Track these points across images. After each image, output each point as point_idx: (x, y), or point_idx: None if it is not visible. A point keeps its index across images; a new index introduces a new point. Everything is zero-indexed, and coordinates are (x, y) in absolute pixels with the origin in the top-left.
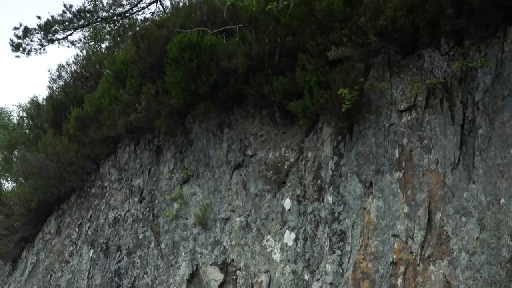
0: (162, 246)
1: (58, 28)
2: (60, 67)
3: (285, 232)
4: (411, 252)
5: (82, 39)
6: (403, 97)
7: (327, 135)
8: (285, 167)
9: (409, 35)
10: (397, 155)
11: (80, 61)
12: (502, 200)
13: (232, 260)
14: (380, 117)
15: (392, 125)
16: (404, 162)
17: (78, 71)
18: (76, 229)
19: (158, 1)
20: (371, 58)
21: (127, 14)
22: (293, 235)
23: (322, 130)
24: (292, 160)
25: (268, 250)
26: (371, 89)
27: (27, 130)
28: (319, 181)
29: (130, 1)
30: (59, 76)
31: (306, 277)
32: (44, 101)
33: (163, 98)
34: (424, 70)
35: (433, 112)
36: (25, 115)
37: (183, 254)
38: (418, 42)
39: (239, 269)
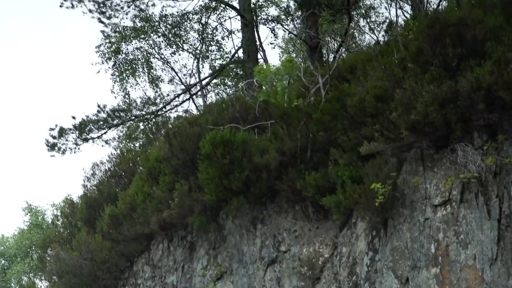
0: None
1: (92, 127)
2: (94, 165)
3: None
4: None
5: (116, 138)
6: (437, 191)
7: (361, 230)
8: (320, 262)
9: (442, 129)
10: (433, 250)
11: (114, 159)
12: None
13: None
14: (415, 212)
15: (427, 219)
16: (440, 258)
17: (112, 169)
18: None
19: (191, 99)
20: (404, 153)
21: (160, 112)
22: None
23: (356, 225)
24: (326, 255)
25: None
26: (404, 183)
27: (61, 229)
28: (354, 277)
29: (163, 100)
30: (93, 174)
31: None
32: (79, 200)
33: (196, 194)
34: (458, 164)
35: (469, 207)
36: (59, 213)
37: None
38: (451, 137)
39: None
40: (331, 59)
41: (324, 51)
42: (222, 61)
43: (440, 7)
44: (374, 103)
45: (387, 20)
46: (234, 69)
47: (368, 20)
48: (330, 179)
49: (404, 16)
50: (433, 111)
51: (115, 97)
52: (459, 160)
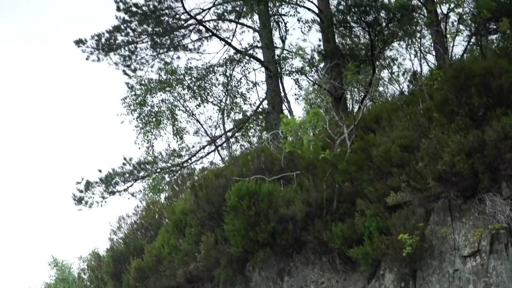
0: None
1: (118, 180)
2: (121, 218)
3: None
4: None
5: (142, 190)
6: (466, 242)
7: (390, 281)
8: None
9: (469, 179)
10: None
11: (139, 212)
12: None
13: None
14: (444, 263)
15: (457, 271)
16: None
17: (138, 222)
18: None
19: (216, 151)
20: (431, 203)
21: (185, 164)
22: None
23: (384, 276)
24: None
25: None
26: (432, 234)
27: (87, 283)
28: None
29: (188, 152)
30: (119, 227)
31: None
32: (105, 253)
33: (222, 246)
34: (487, 214)
35: (499, 258)
36: (85, 267)
37: None
38: (479, 186)
39: None
40: (356, 110)
41: (349, 102)
42: (247, 113)
43: (465, 56)
44: (400, 153)
45: (411, 70)
46: (259, 121)
47: (392, 71)
48: (357, 230)
49: (428, 66)
50: (460, 161)
51: (139, 148)
52: (488, 210)
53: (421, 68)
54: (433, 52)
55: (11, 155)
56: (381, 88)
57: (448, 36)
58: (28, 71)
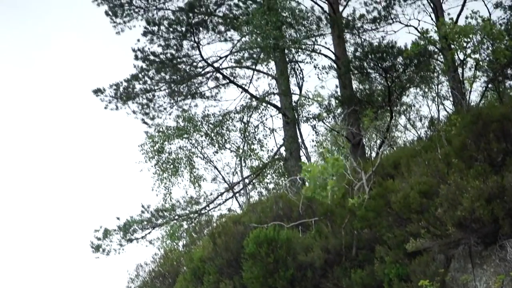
0: None
1: (136, 227)
2: (138, 266)
3: None
4: None
5: (160, 238)
6: None
7: None
8: None
9: (489, 225)
10: None
11: (157, 259)
12: None
13: None
14: None
15: None
16: None
17: (155, 269)
18: None
19: (234, 197)
20: (451, 249)
21: (203, 211)
22: None
23: None
24: None
25: None
26: (453, 281)
27: None
28: None
29: (206, 199)
30: (137, 275)
31: None
32: None
33: None
34: (508, 261)
35: None
36: None
37: None
38: (499, 233)
39: None
40: (374, 156)
41: (367, 148)
42: (265, 159)
43: (482, 102)
44: (419, 199)
45: (429, 116)
46: (277, 167)
47: (409, 116)
48: (377, 277)
49: (446, 111)
50: (480, 207)
51: (157, 195)
52: (509, 257)
53: (438, 114)
54: (451, 98)
55: (27, 200)
56: (398, 134)
57: (465, 82)
58: (48, 117)
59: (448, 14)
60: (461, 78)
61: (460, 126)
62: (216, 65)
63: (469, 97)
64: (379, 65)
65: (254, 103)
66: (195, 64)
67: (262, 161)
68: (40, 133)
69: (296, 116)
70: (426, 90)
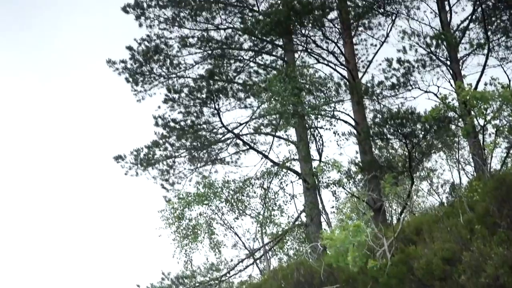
0: None
1: None
2: None
3: None
4: None
5: None
6: None
7: None
8: None
9: None
10: None
11: None
12: None
13: None
14: None
15: None
16: None
17: None
18: None
19: (255, 264)
20: None
21: (224, 278)
22: None
23: None
24: None
25: None
26: None
27: None
28: None
29: (227, 265)
30: None
31: None
32: None
33: None
34: None
35: None
36: None
37: None
38: None
39: None
40: (395, 221)
41: (388, 213)
42: (285, 226)
43: (504, 168)
44: (441, 266)
45: (450, 182)
46: (298, 233)
47: (431, 182)
48: None
49: (467, 177)
50: (504, 274)
51: (178, 262)
52: None
53: (460, 179)
54: (472, 163)
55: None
56: (420, 200)
57: (486, 148)
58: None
59: (465, 79)
60: (481, 145)
61: (483, 192)
62: (236, 131)
63: (491, 162)
64: (399, 131)
65: (274, 169)
66: (215, 130)
67: (282, 227)
68: (54, 195)
69: (317, 182)
70: (447, 155)
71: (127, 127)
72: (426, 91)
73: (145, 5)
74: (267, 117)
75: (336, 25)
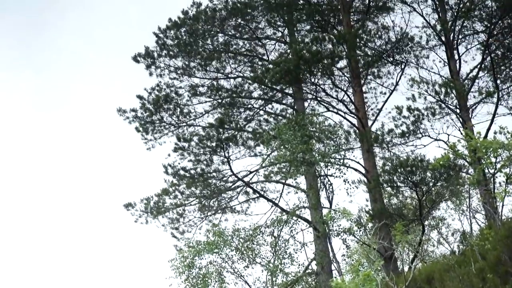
0: None
1: None
2: None
3: None
4: None
5: None
6: None
7: None
8: None
9: None
10: None
11: None
12: None
13: None
14: None
15: None
16: None
17: None
18: None
19: None
20: None
21: None
22: None
23: None
24: None
25: None
26: None
27: None
28: None
29: None
30: None
31: None
32: None
33: None
34: None
35: None
36: None
37: None
38: None
39: None
40: (407, 270)
41: (399, 262)
42: (295, 274)
43: None
44: None
45: (461, 230)
46: (308, 281)
47: (441, 230)
48: None
49: (478, 225)
50: None
51: None
52: None
53: (471, 228)
54: (482, 211)
55: None
56: (431, 248)
57: (496, 196)
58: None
59: (475, 127)
60: (492, 193)
61: (494, 241)
62: (246, 179)
63: (502, 211)
64: (409, 179)
65: (285, 217)
66: (225, 178)
67: (293, 276)
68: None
69: (327, 230)
70: (457, 203)
71: (137, 175)
72: (436, 139)
73: (155, 54)
74: (277, 165)
75: (345, 74)
